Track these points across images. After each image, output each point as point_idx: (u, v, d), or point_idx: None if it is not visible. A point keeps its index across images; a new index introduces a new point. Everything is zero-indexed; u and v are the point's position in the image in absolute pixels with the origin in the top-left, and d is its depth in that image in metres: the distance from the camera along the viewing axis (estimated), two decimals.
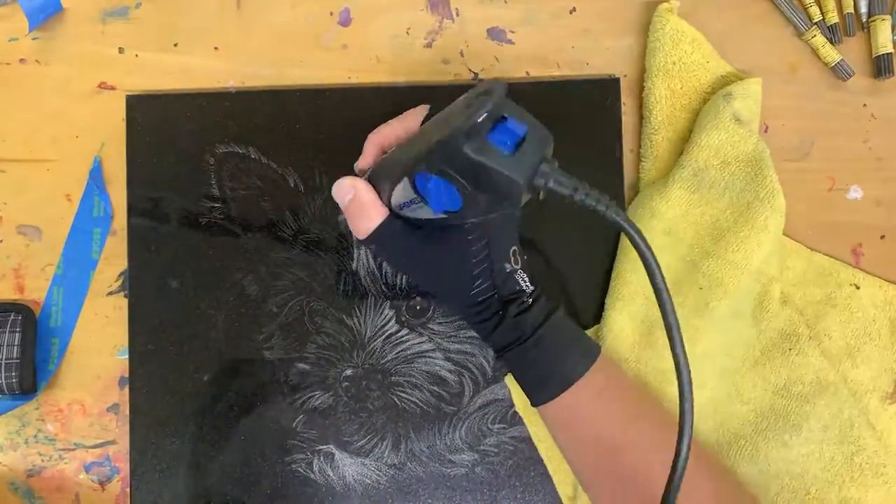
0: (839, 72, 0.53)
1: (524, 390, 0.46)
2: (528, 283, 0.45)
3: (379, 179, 0.44)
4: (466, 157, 0.37)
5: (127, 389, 0.53)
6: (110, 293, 0.54)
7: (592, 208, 0.37)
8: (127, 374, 0.53)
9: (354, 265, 0.53)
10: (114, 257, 0.54)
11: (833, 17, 0.53)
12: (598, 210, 0.37)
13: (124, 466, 0.53)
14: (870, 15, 0.53)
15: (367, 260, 0.53)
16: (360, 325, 0.52)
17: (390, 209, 0.44)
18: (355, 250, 0.53)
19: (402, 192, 0.42)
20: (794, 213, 0.53)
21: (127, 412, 0.53)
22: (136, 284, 0.53)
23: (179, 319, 0.53)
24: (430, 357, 0.52)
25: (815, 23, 0.53)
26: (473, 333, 0.53)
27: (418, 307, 0.53)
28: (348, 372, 0.52)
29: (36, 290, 0.54)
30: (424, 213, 0.42)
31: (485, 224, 0.43)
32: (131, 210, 0.53)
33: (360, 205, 0.44)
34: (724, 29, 0.54)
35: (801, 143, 0.54)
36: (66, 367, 0.54)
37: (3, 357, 0.51)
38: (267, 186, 0.53)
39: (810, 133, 0.54)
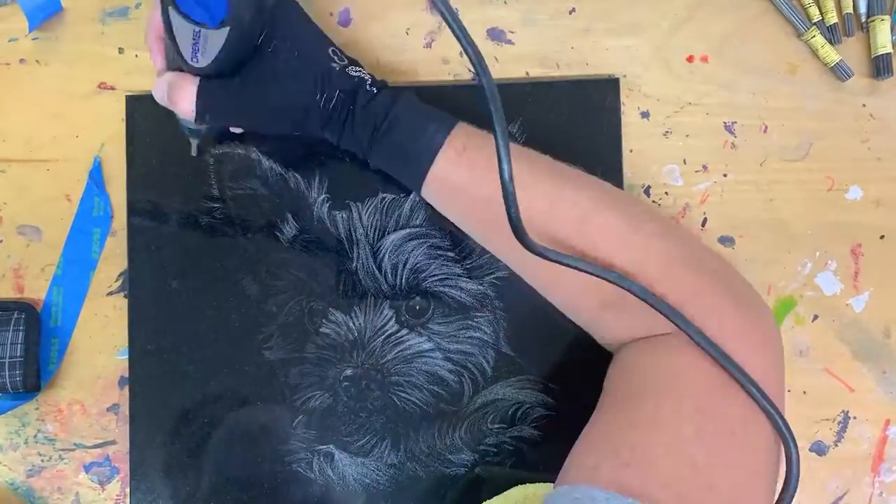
0: (838, 72, 0.53)
1: (403, 181, 0.47)
2: (364, 72, 0.46)
3: (170, 58, 0.46)
4: None
5: (127, 389, 0.53)
6: (110, 293, 0.54)
7: None
8: (127, 375, 0.53)
9: (354, 265, 0.53)
10: (114, 257, 0.54)
11: (832, 18, 0.53)
12: None
13: (124, 467, 0.53)
14: (869, 15, 0.53)
15: (367, 260, 0.53)
16: (360, 325, 0.52)
17: (194, 72, 0.45)
18: (355, 250, 0.53)
19: (183, 36, 0.43)
20: (794, 213, 0.53)
21: (127, 412, 0.53)
22: (136, 284, 0.53)
23: (179, 319, 0.53)
24: (429, 357, 0.52)
25: (815, 23, 0.53)
26: (474, 333, 0.53)
27: (418, 307, 0.53)
28: (348, 372, 0.52)
29: (36, 291, 0.54)
30: (211, 42, 0.42)
31: (289, 40, 0.44)
32: (131, 210, 0.53)
33: (173, 88, 0.45)
34: (723, 29, 0.54)
35: (800, 143, 0.54)
36: (65, 368, 0.54)
37: (7, 355, 0.51)
38: (267, 187, 0.53)
39: (810, 133, 0.54)
